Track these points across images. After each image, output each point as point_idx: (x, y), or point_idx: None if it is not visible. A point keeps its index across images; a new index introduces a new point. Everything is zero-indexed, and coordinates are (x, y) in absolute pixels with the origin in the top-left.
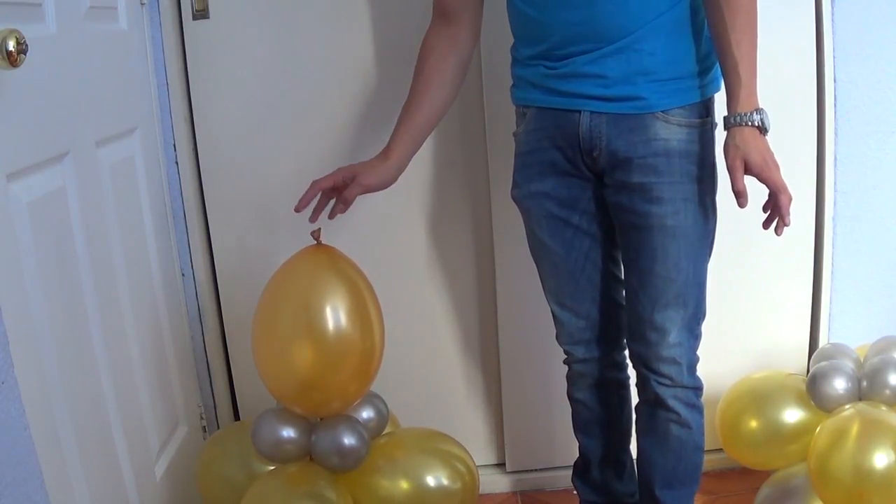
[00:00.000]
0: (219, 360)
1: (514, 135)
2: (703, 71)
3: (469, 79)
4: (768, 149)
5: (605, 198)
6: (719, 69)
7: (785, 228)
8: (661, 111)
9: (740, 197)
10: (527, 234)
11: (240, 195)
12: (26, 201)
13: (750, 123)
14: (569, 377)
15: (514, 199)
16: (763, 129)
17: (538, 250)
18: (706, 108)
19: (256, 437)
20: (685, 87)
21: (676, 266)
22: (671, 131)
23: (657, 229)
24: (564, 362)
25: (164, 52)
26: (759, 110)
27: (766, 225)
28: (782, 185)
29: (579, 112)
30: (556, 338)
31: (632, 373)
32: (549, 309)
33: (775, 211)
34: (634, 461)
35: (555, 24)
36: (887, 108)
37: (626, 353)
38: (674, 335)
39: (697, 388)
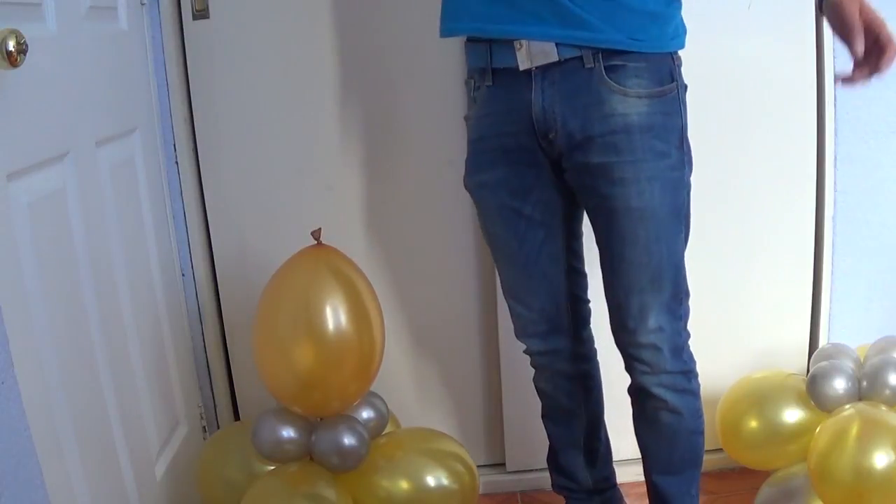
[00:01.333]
0: (219, 360)
1: (466, 119)
2: (667, 17)
3: None
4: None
5: (567, 182)
6: (683, 24)
7: (785, 228)
8: (615, 65)
9: (857, 34)
10: (479, 224)
11: (240, 195)
12: (26, 201)
13: None
14: (532, 366)
15: (466, 187)
16: None
17: (491, 242)
18: (669, 72)
19: (256, 437)
20: (644, 25)
21: (647, 250)
22: (629, 105)
23: (622, 212)
24: (525, 352)
25: (164, 52)
26: None
27: (857, 77)
28: (891, 35)
29: (530, 79)
30: (514, 330)
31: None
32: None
33: (875, 62)
34: (609, 446)
35: None
36: (887, 108)
37: (590, 344)
38: (652, 321)
39: (687, 372)
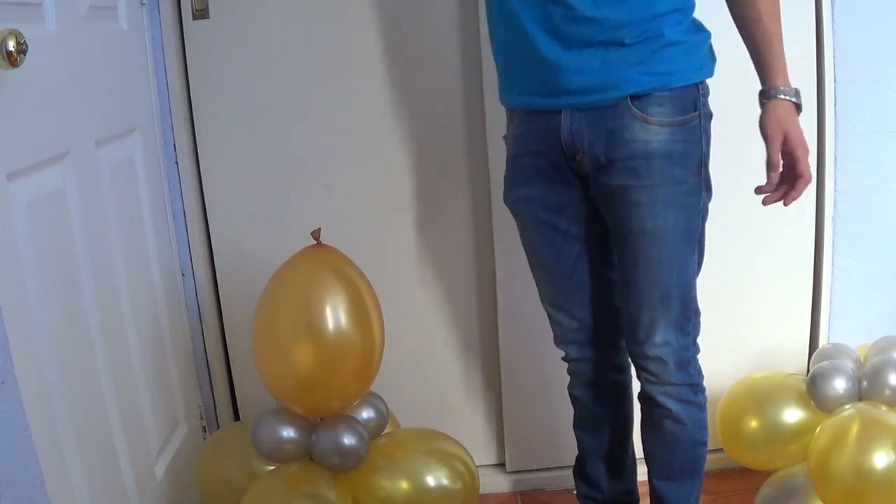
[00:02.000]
0: (219, 360)
1: (505, 138)
2: (695, 45)
3: (469, 78)
4: (799, 131)
5: (593, 201)
6: (712, 52)
7: (785, 228)
8: (640, 94)
9: (773, 170)
10: (520, 237)
11: (240, 195)
12: (26, 201)
13: (791, 98)
14: (568, 373)
15: (505, 203)
16: (799, 108)
17: (530, 254)
18: (693, 102)
19: (256, 437)
20: (672, 56)
21: (658, 270)
22: (650, 132)
23: (637, 233)
24: (563, 359)
25: (164, 52)
26: (795, 89)
27: (767, 202)
28: (808, 168)
29: (560, 113)
30: (553, 337)
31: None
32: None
33: (787, 190)
34: (636, 460)
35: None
36: (887, 108)
37: (625, 354)
38: (660, 335)
39: (692, 385)
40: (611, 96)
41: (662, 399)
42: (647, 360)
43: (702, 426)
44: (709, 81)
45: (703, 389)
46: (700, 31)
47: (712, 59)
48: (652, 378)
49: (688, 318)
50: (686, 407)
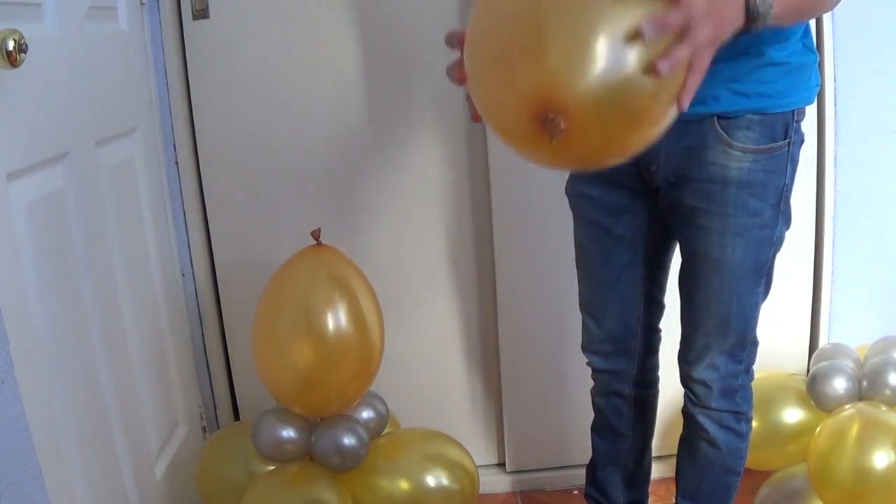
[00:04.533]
0: (219, 360)
1: None
2: (795, 70)
3: None
4: (727, 15)
5: (661, 215)
6: (816, 76)
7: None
8: (728, 115)
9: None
10: (573, 232)
11: (240, 195)
12: (26, 201)
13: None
14: (592, 378)
15: (566, 193)
16: (752, 18)
17: (578, 252)
18: (785, 129)
19: (256, 437)
20: (773, 78)
21: (718, 299)
22: (731, 158)
23: (701, 258)
24: (587, 365)
25: (164, 52)
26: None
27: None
28: (695, 36)
29: None
30: (581, 343)
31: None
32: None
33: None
34: (650, 469)
35: None
36: (887, 108)
37: (654, 372)
38: (709, 360)
39: (736, 412)
40: (694, 112)
41: (701, 419)
42: (693, 382)
43: (738, 456)
44: None
45: (748, 419)
46: (808, 52)
47: (816, 83)
48: (694, 399)
49: (743, 348)
50: (724, 433)
